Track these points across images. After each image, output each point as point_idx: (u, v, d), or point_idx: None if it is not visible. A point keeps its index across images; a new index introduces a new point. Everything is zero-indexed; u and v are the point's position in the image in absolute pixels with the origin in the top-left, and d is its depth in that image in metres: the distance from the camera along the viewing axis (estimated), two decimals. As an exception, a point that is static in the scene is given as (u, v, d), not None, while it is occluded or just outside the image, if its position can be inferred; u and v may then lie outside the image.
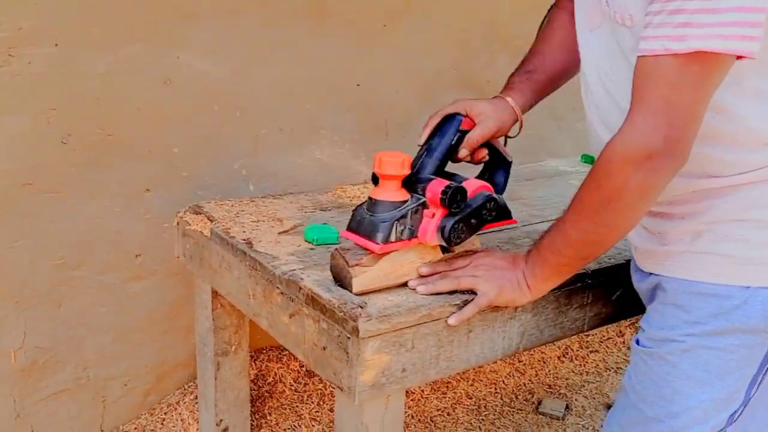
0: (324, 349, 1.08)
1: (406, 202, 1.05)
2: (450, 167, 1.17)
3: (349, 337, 1.01)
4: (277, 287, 1.19)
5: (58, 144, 1.54)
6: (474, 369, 2.44)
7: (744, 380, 1.01)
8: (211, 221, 1.44)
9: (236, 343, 1.61)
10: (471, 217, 1.09)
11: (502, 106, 1.19)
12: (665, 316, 1.05)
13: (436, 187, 1.05)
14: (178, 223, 1.55)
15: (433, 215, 1.06)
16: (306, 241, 1.35)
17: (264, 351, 2.02)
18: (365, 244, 1.05)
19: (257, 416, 1.88)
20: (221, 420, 1.64)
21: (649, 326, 1.07)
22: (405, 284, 1.12)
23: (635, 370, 1.08)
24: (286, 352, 2.04)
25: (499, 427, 2.17)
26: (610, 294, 1.31)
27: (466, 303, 1.09)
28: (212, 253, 1.42)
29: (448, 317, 1.07)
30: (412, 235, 1.06)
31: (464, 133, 1.15)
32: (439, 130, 1.15)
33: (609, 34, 0.99)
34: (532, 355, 2.59)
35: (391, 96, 2.09)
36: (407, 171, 1.06)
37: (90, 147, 1.58)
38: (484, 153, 1.19)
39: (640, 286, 1.14)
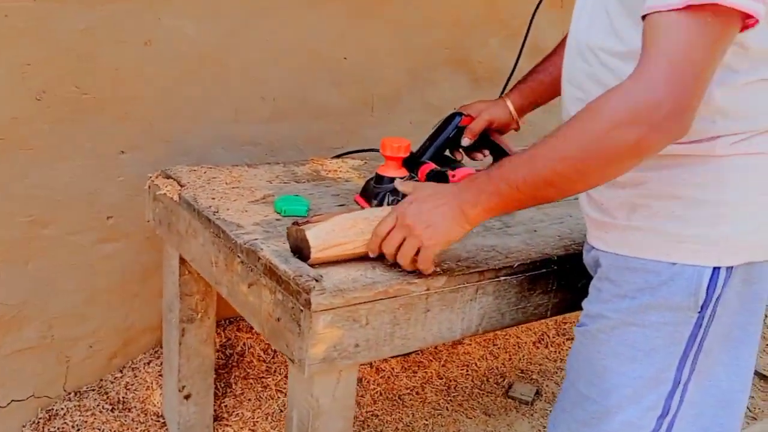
0: (278, 320, 1.07)
1: (401, 179, 1.27)
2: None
3: (301, 310, 1.01)
4: (238, 256, 1.18)
5: (32, 100, 1.52)
6: (447, 350, 2.45)
7: (672, 359, 1.01)
8: (181, 186, 1.43)
9: (202, 311, 1.60)
10: None
11: (499, 105, 1.41)
12: (600, 290, 1.05)
13: (425, 168, 1.31)
14: (149, 187, 1.53)
15: None
16: (275, 211, 1.34)
17: (234, 321, 2.02)
18: (364, 206, 1.29)
19: (222, 385, 1.88)
20: (184, 386, 1.64)
21: (586, 303, 1.08)
22: (368, 257, 1.11)
23: (573, 351, 1.09)
24: (258, 322, 2.04)
25: (467, 409, 2.17)
26: (575, 281, 1.30)
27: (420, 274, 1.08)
28: (180, 218, 1.40)
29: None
30: None
31: (463, 128, 1.41)
32: (441, 125, 1.42)
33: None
34: (507, 339, 2.59)
35: (380, 71, 2.06)
36: (404, 154, 1.30)
37: (65, 105, 1.55)
38: (482, 153, 1.43)
39: (586, 260, 1.14)
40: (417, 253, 1.02)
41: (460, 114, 1.42)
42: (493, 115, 1.40)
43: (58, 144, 1.57)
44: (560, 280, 1.29)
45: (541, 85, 1.37)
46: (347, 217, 1.09)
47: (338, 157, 1.78)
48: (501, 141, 1.43)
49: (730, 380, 1.05)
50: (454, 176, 1.27)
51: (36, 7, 1.46)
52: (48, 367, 1.68)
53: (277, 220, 1.29)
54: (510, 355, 2.51)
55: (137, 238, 1.73)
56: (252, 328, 2.02)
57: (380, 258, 1.08)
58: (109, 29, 1.56)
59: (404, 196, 1.06)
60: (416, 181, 1.29)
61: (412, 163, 1.34)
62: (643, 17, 0.85)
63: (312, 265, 1.07)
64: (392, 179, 1.28)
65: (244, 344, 1.98)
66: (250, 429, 1.80)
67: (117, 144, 1.65)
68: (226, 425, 1.80)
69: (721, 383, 1.05)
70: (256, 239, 1.17)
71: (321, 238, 1.06)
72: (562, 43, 1.30)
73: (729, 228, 0.97)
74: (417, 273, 1.08)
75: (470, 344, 2.50)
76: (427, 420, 2.08)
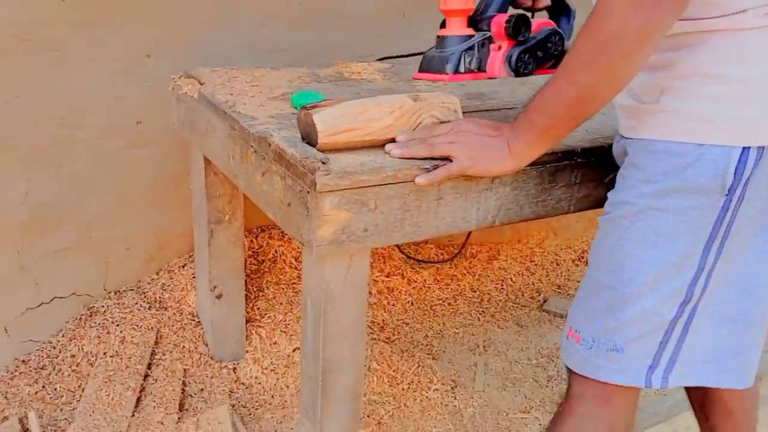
0: (289, 205, 1.08)
1: (472, 36, 1.13)
2: None
3: (308, 192, 1.00)
4: (251, 146, 1.18)
5: (57, 1, 1.52)
6: (482, 264, 2.44)
7: (697, 244, 0.96)
8: (201, 85, 1.42)
9: (230, 213, 1.63)
10: (537, 49, 1.16)
11: None
12: (625, 178, 1.01)
13: (500, 19, 1.13)
14: (173, 89, 1.54)
15: (500, 48, 1.14)
16: (292, 106, 1.32)
17: (266, 229, 2.05)
18: (435, 78, 1.13)
19: (255, 288, 1.93)
20: (215, 287, 1.69)
21: (611, 192, 1.04)
22: (382, 147, 1.10)
23: (596, 240, 1.05)
24: (289, 231, 2.06)
25: (498, 320, 2.18)
26: (602, 176, 1.26)
27: (437, 168, 1.06)
28: (200, 116, 1.41)
29: (416, 177, 1.04)
30: (481, 68, 1.14)
31: None
32: None
33: None
34: (545, 256, 2.57)
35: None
36: (471, 6, 1.14)
37: (90, 6, 1.56)
38: (545, 1, 1.23)
39: (615, 151, 1.10)
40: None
41: None
42: None
43: (84, 47, 1.59)
44: (585, 174, 1.24)
45: None
46: (356, 103, 1.07)
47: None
48: None
49: (758, 267, 1.01)
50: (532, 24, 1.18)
51: None
52: (88, 267, 1.75)
53: (293, 114, 1.28)
54: (547, 272, 2.49)
55: (167, 144, 1.76)
56: (283, 235, 2.05)
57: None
58: (129, -73, 1.55)
59: (516, 68, 1.12)
60: (489, 35, 1.15)
61: (475, 20, 1.18)
62: None
63: (321, 151, 1.06)
64: (465, 37, 1.14)
65: (275, 251, 2.02)
66: (281, 330, 1.84)
67: (143, 48, 1.66)
68: (259, 326, 1.85)
69: (747, 270, 1.01)
70: (267, 128, 1.16)
71: (328, 122, 1.04)
72: None
73: (759, 106, 0.91)
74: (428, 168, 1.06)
75: (506, 260, 2.49)
76: (457, 329, 2.10)
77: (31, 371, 1.63)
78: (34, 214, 1.63)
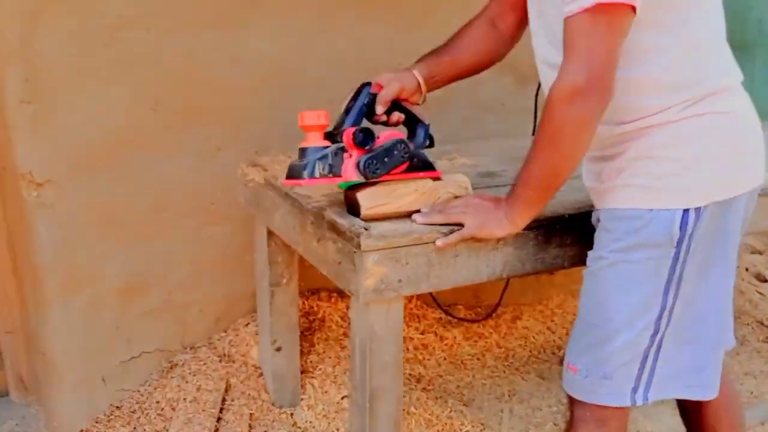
0: (339, 263, 1.39)
1: (326, 147, 1.30)
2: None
3: (355, 251, 1.32)
4: (309, 219, 1.51)
5: (150, 110, 1.92)
6: (507, 324, 2.69)
7: (657, 287, 1.24)
8: (265, 171, 1.78)
9: (287, 276, 1.95)
10: (384, 156, 1.32)
11: (406, 74, 1.46)
12: (599, 239, 1.31)
13: (349, 132, 1.30)
14: (240, 175, 1.90)
15: (351, 155, 1.31)
16: (338, 186, 1.66)
17: (315, 292, 2.36)
18: (295, 182, 1.31)
19: (307, 345, 2.23)
20: (275, 340, 1.99)
21: (591, 251, 1.33)
22: (409, 216, 1.41)
23: (582, 290, 1.33)
24: (334, 293, 2.37)
25: (522, 373, 2.41)
26: (587, 237, 1.55)
27: (452, 232, 1.37)
28: (265, 197, 1.76)
29: (436, 240, 1.36)
30: (335, 173, 1.31)
31: (375, 96, 1.42)
32: (354, 97, 1.43)
33: (540, 13, 1.29)
34: (565, 316, 2.81)
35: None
36: (324, 122, 1.31)
37: (174, 113, 1.95)
38: (398, 116, 1.45)
39: (593, 220, 1.39)
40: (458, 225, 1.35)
41: (369, 83, 1.43)
42: (403, 83, 1.44)
43: (169, 145, 1.97)
44: (574, 236, 1.53)
45: (443, 65, 1.51)
46: (389, 184, 1.39)
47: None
48: (413, 108, 1.46)
49: (706, 302, 1.28)
50: (379, 137, 1.33)
51: (150, 36, 1.87)
52: (169, 326, 2.08)
53: (339, 193, 1.61)
54: (567, 330, 2.72)
55: (234, 221, 2.11)
56: (330, 297, 2.36)
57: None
58: (206, 51, 1.96)
59: (364, 172, 1.32)
60: (342, 145, 1.30)
61: (332, 134, 1.35)
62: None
63: (364, 221, 1.38)
64: (321, 148, 1.29)
65: (324, 312, 2.32)
66: (331, 381, 2.13)
67: (214, 143, 2.04)
68: (312, 377, 2.14)
69: (698, 305, 1.28)
70: (322, 205, 1.49)
71: (369, 199, 1.37)
72: (459, 33, 1.55)
73: (691, 177, 1.22)
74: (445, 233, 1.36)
75: (529, 320, 2.73)
76: (485, 380, 2.34)
77: (124, 415, 1.94)
78: (128, 281, 1.98)
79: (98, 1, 1.76)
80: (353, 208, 1.40)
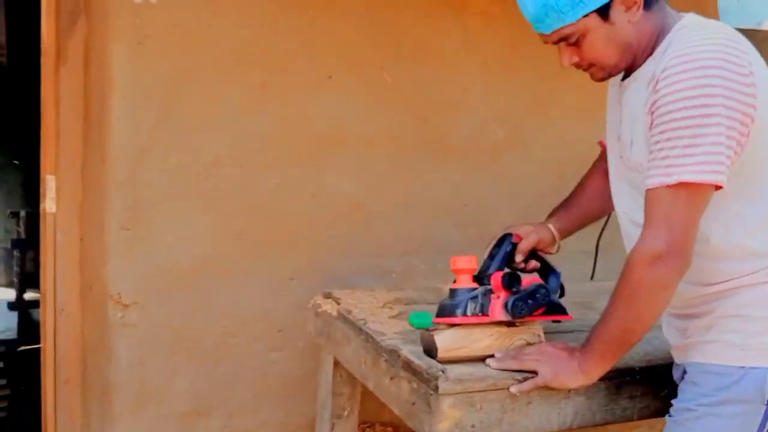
0: (413, 404, 1.43)
1: (476, 289, 1.42)
2: None
3: (431, 394, 1.36)
4: (383, 356, 1.56)
5: (233, 239, 2.05)
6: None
7: None
8: (339, 304, 1.86)
9: (349, 409, 1.97)
10: (528, 298, 1.43)
11: (543, 227, 1.62)
12: (685, 392, 1.34)
13: (498, 275, 1.43)
14: (312, 305, 1.98)
15: (498, 297, 1.42)
16: (409, 323, 1.72)
17: (371, 425, 2.36)
18: (448, 321, 1.41)
19: (361, 478, 2.20)
20: (332, 472, 1.98)
21: (675, 401, 1.36)
22: (484, 360, 1.45)
23: None
24: (389, 427, 2.36)
25: None
26: (658, 390, 1.56)
27: (526, 379, 1.40)
28: (337, 329, 1.82)
29: (510, 386, 1.39)
30: (484, 312, 1.41)
31: (516, 245, 1.57)
32: (497, 244, 1.58)
33: (627, 179, 1.37)
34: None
35: (494, 215, 2.47)
36: (475, 266, 1.43)
37: (254, 243, 2.08)
38: (534, 263, 1.57)
39: (675, 375, 1.42)
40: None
41: (510, 234, 1.59)
42: (540, 235, 1.59)
43: (247, 272, 2.08)
44: (644, 388, 1.54)
45: (572, 217, 1.66)
46: (465, 328, 1.45)
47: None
48: (547, 257, 1.61)
49: None
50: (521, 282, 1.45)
51: (241, 173, 2.03)
52: (226, 450, 2.10)
53: (412, 331, 1.67)
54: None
55: (298, 349, 2.17)
56: (386, 430, 2.35)
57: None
58: (289, 186, 2.11)
59: (512, 311, 1.42)
60: (490, 287, 1.42)
61: (480, 277, 1.47)
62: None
63: (439, 362, 1.42)
64: (471, 289, 1.41)
65: (378, 445, 2.31)
66: None
67: (287, 272, 2.14)
68: None
69: None
70: (396, 343, 1.55)
71: (446, 342, 1.42)
72: (581, 184, 1.68)
73: None
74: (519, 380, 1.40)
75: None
76: None
77: None
78: (192, 403, 2.03)
79: (200, 140, 1.95)
80: (430, 350, 1.45)
